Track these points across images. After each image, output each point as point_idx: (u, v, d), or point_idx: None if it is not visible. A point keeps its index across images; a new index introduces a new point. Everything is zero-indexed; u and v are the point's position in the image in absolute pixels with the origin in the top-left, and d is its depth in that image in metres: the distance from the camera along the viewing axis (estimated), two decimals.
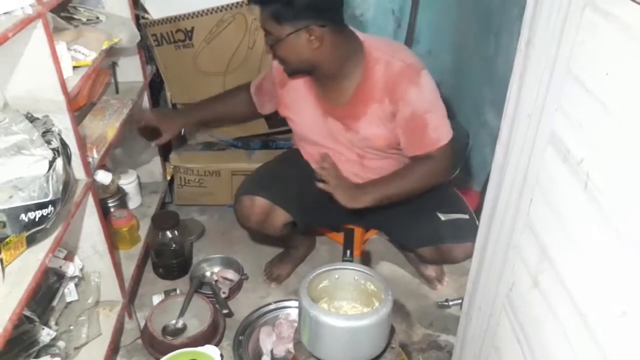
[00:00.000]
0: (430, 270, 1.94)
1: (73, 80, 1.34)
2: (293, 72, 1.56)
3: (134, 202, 2.07)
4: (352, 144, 1.63)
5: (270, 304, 1.78)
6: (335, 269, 1.23)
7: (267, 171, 1.81)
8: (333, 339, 1.09)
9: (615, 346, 0.62)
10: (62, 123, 1.28)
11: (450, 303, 1.80)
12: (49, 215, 1.08)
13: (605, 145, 0.65)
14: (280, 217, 1.67)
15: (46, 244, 1.14)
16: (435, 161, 1.56)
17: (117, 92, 1.90)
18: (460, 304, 1.71)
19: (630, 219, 0.60)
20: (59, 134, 1.22)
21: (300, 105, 1.64)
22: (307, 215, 1.73)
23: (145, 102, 2.03)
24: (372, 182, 1.58)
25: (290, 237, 1.88)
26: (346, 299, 1.24)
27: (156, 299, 1.79)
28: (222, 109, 1.85)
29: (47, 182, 1.04)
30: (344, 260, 1.26)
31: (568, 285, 0.74)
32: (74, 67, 1.37)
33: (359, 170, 1.66)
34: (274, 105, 1.74)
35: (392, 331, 1.20)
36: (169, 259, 1.92)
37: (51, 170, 1.06)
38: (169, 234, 1.88)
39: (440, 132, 1.53)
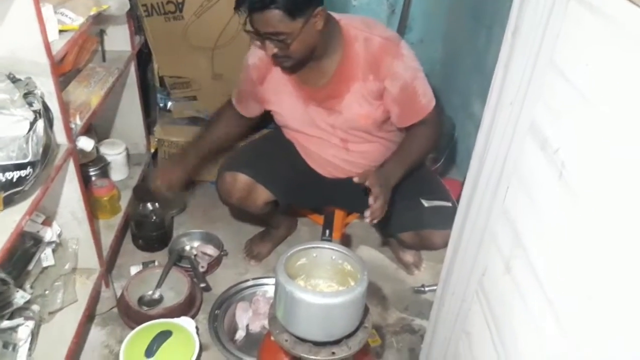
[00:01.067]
0: (409, 256, 1.97)
1: (58, 44, 1.32)
2: (299, 63, 1.51)
3: (121, 173, 2.06)
4: (334, 128, 1.63)
5: (248, 280, 1.79)
6: (314, 247, 1.25)
7: (251, 149, 1.82)
8: (307, 315, 1.10)
9: (581, 330, 0.64)
10: (45, 86, 1.26)
11: (426, 289, 1.82)
12: (28, 177, 1.07)
13: (582, 135, 0.66)
14: (262, 195, 1.67)
15: (23, 206, 1.13)
16: (429, 125, 1.59)
17: (103, 60, 1.88)
18: (436, 290, 1.74)
19: (601, 208, 0.61)
20: (41, 97, 1.21)
21: (280, 95, 1.63)
22: (289, 195, 1.74)
23: (132, 71, 2.01)
24: (390, 163, 1.54)
25: (272, 216, 1.88)
26: (323, 277, 1.26)
27: (134, 270, 1.79)
28: (218, 133, 1.78)
29: (27, 143, 1.03)
30: (322, 240, 1.27)
31: (538, 271, 0.76)
32: (60, 31, 1.35)
33: (345, 154, 1.67)
34: (258, 105, 1.71)
35: (367, 311, 1.21)
36: (148, 231, 1.92)
37: (31, 132, 1.05)
38: (149, 205, 1.87)
39: (428, 96, 1.57)
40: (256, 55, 1.61)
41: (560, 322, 0.68)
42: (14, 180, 1.04)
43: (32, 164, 1.07)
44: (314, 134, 1.66)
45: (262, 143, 1.86)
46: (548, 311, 0.71)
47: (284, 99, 1.64)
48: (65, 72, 1.65)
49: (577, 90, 0.67)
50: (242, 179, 1.64)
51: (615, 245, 0.57)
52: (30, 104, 1.13)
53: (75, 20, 1.40)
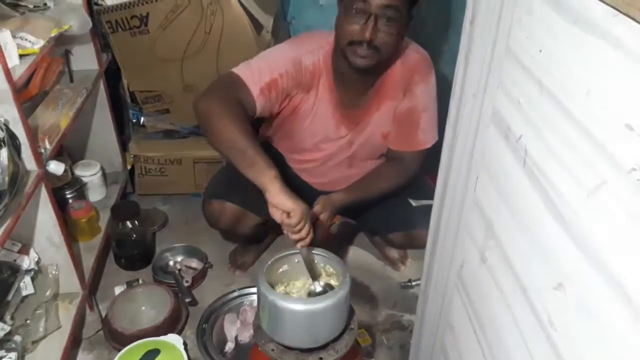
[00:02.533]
0: (394, 253, 1.96)
1: (19, 69, 1.30)
2: (382, 60, 1.38)
3: (98, 193, 2.04)
4: (350, 145, 1.59)
5: (234, 291, 1.77)
6: (295, 253, 1.24)
7: (235, 171, 1.72)
8: (291, 322, 1.10)
9: (553, 316, 0.64)
10: (9, 113, 1.24)
11: (413, 283, 1.83)
12: None
13: (541, 121, 0.66)
14: (251, 220, 1.64)
15: None
16: (404, 165, 1.58)
17: (71, 80, 1.86)
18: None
19: (564, 194, 0.61)
20: (5, 124, 1.19)
21: (318, 112, 1.51)
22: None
23: (102, 89, 1.98)
24: (341, 193, 1.52)
25: (260, 234, 1.86)
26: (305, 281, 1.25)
27: (118, 290, 1.77)
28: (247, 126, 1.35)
29: None
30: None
31: (511, 260, 0.76)
32: (21, 56, 1.33)
33: (346, 171, 1.65)
34: (276, 106, 1.47)
35: (352, 313, 1.21)
36: (130, 250, 1.90)
37: None
38: (129, 224, 1.85)
39: (427, 135, 1.55)
40: (311, 60, 1.45)
41: (534, 309, 0.68)
42: None
43: None
44: (325, 150, 1.61)
45: None
46: (522, 299, 0.71)
47: (320, 115, 1.51)
48: (31, 96, 1.63)
49: (533, 77, 0.67)
50: (230, 208, 1.59)
51: (582, 228, 0.57)
52: None
53: (36, 44, 1.38)
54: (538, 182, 0.67)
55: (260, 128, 1.70)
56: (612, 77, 0.52)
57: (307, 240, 1.19)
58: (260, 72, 1.38)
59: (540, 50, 0.65)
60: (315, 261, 1.24)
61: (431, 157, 2.21)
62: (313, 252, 1.23)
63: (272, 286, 1.14)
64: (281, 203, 1.18)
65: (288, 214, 1.17)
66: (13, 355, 1.27)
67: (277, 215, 1.20)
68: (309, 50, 1.44)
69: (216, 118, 1.27)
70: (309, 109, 1.50)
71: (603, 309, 0.53)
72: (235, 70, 1.39)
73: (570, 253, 0.59)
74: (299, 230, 1.18)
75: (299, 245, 1.19)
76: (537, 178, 0.67)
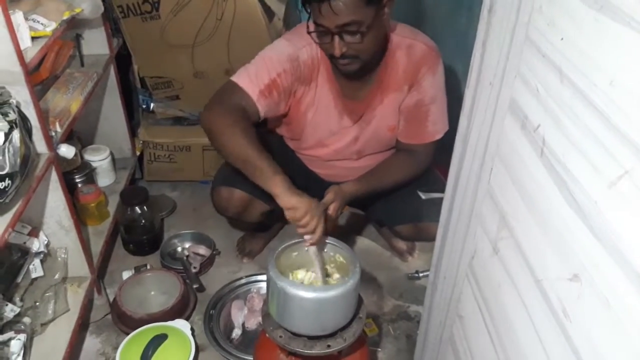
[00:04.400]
0: (402, 244, 1.96)
1: (31, 51, 1.29)
2: (362, 67, 1.38)
3: (107, 178, 2.04)
4: (356, 140, 1.58)
5: (241, 278, 1.78)
6: (305, 241, 1.24)
7: None
8: (300, 310, 1.10)
9: (568, 307, 0.63)
10: (21, 95, 1.24)
11: (420, 274, 1.82)
12: (7, 189, 1.05)
13: (561, 110, 0.65)
14: (259, 207, 1.64)
15: (6, 219, 1.12)
16: (416, 156, 1.57)
17: (82, 65, 1.85)
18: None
19: (583, 185, 0.60)
20: (17, 106, 1.19)
21: (320, 103, 1.50)
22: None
23: (112, 74, 1.98)
24: (353, 183, 1.50)
25: (267, 222, 1.86)
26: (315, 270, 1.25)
27: (126, 275, 1.78)
28: (251, 136, 1.33)
29: (3, 154, 1.02)
30: None
31: (524, 251, 0.75)
32: (33, 38, 1.32)
33: (354, 164, 1.64)
34: (281, 106, 1.47)
35: (360, 302, 1.21)
36: (139, 235, 1.91)
37: (7, 143, 1.03)
38: (138, 209, 1.85)
39: (437, 126, 1.53)
40: (309, 53, 1.44)
41: (548, 301, 0.67)
42: None
43: (10, 176, 1.05)
44: (333, 146, 1.60)
45: None
46: (536, 291, 0.71)
47: (322, 108, 1.50)
48: (42, 79, 1.63)
49: (554, 66, 0.66)
50: (238, 195, 1.59)
51: (602, 219, 0.57)
52: (5, 114, 1.11)
53: (48, 26, 1.37)
54: (556, 172, 0.66)
55: (267, 123, 1.69)
56: (638, 66, 0.51)
57: (317, 236, 1.20)
58: (257, 76, 1.39)
59: (562, 39, 0.64)
60: (325, 250, 1.24)
61: (442, 150, 2.22)
62: (325, 241, 1.23)
63: (282, 273, 1.14)
64: (287, 201, 1.21)
65: (294, 210, 1.20)
66: (22, 336, 1.28)
67: (289, 216, 1.23)
68: (306, 43, 1.42)
69: (219, 133, 1.32)
70: (311, 101, 1.49)
71: (622, 300, 0.52)
72: (234, 78, 1.41)
73: (588, 244, 0.58)
74: (305, 225, 1.19)
75: (307, 241, 1.20)
76: (555, 168, 0.66)
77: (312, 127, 1.55)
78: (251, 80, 1.39)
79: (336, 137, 1.58)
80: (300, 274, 1.23)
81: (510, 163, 0.81)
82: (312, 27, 1.33)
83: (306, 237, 1.20)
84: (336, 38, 1.28)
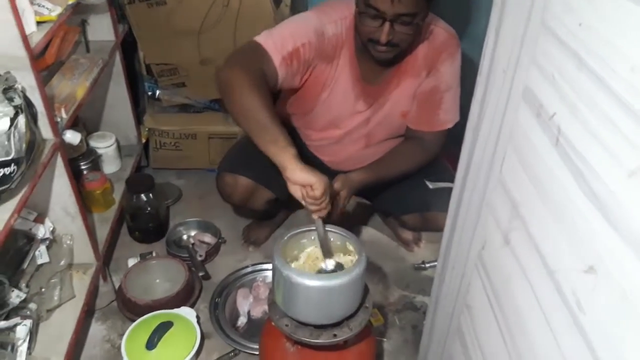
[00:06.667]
0: (408, 234, 1.95)
1: (37, 36, 1.28)
2: (403, 51, 1.37)
3: (113, 165, 2.04)
4: (368, 123, 1.56)
5: (247, 266, 1.78)
6: (311, 230, 1.23)
7: (250, 147, 1.67)
8: (306, 298, 1.09)
9: (582, 299, 0.62)
10: (26, 80, 1.23)
11: (427, 265, 1.81)
12: (13, 175, 1.04)
13: (578, 98, 0.63)
14: (264, 195, 1.62)
15: (11, 204, 1.11)
16: (425, 144, 1.55)
17: (87, 51, 1.84)
18: (436, 266, 1.73)
19: (600, 174, 0.59)
20: (22, 92, 1.18)
21: (338, 84, 1.47)
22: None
23: (118, 61, 1.97)
24: (360, 172, 1.49)
25: (273, 209, 1.85)
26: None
27: (132, 262, 1.78)
28: (269, 100, 1.28)
29: (9, 140, 1.01)
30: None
31: (537, 242, 0.74)
32: (38, 23, 1.31)
33: (362, 151, 1.62)
34: (296, 79, 1.42)
35: (366, 291, 1.20)
36: (144, 223, 1.90)
37: (12, 128, 1.02)
38: (143, 197, 1.85)
39: (449, 115, 1.52)
40: (334, 31, 1.40)
41: (562, 293, 0.66)
42: None
43: (16, 161, 1.04)
44: (344, 127, 1.57)
45: None
46: (549, 283, 0.69)
47: (340, 88, 1.47)
48: (47, 65, 1.61)
49: (571, 52, 0.64)
50: (242, 182, 1.57)
51: (620, 210, 0.55)
52: (10, 100, 1.10)
53: (53, 11, 1.36)
54: (571, 161, 0.64)
55: (276, 103, 1.67)
56: None
57: (324, 211, 1.18)
58: (282, 41, 1.33)
59: (580, 24, 0.62)
60: (332, 239, 1.23)
61: (451, 140, 2.20)
62: (330, 229, 1.22)
63: (288, 262, 1.13)
64: (302, 178, 1.16)
65: (311, 187, 1.15)
66: (28, 322, 1.28)
67: (298, 193, 1.19)
68: (332, 20, 1.39)
69: (238, 88, 1.23)
70: (329, 81, 1.46)
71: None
72: (257, 38, 1.35)
73: (605, 235, 0.57)
74: (322, 202, 1.17)
75: (315, 215, 1.18)
76: (571, 157, 0.64)
77: (325, 107, 1.52)
78: (275, 44, 1.32)
79: (348, 120, 1.56)
80: (308, 250, 1.21)
81: (523, 152, 0.80)
82: (362, 8, 1.30)
83: (316, 213, 1.18)
84: (387, 24, 1.27)
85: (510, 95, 0.83)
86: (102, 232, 1.73)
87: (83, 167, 1.87)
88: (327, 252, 1.19)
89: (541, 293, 0.73)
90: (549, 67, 0.71)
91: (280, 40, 1.33)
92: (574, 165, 0.63)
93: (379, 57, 1.37)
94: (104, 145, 1.98)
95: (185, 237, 1.95)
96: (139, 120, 2.19)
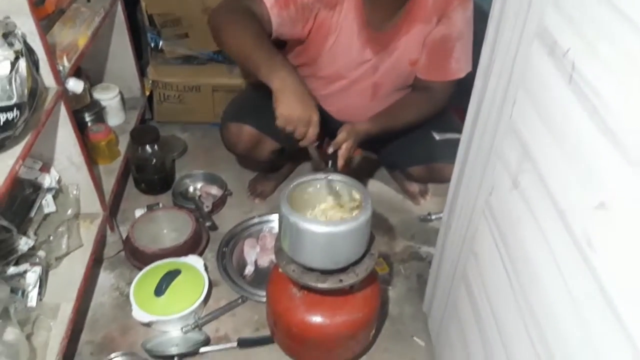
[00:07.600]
0: (414, 187, 1.95)
1: None
2: None
3: (117, 118, 2.02)
4: (375, 71, 1.51)
5: (254, 217, 1.78)
6: (317, 179, 1.22)
7: (255, 95, 1.65)
8: (313, 244, 1.10)
9: (593, 237, 0.61)
10: (26, 26, 1.20)
11: (433, 217, 1.81)
12: (16, 121, 1.03)
13: (596, 32, 0.61)
14: (269, 145, 1.61)
15: (16, 151, 1.11)
16: (433, 94, 1.52)
17: (88, 0, 1.79)
18: (442, 217, 1.73)
19: (615, 109, 0.57)
20: (22, 37, 1.15)
21: (343, 31, 1.42)
22: (296, 142, 1.67)
23: (119, 11, 1.93)
24: (367, 122, 1.46)
25: (278, 161, 1.84)
26: (328, 207, 1.24)
27: (139, 213, 1.78)
28: (258, 29, 1.28)
29: (10, 84, 0.99)
30: (327, 171, 1.24)
31: (547, 183, 0.73)
32: None
33: (368, 102, 1.58)
34: (297, 27, 1.38)
35: (372, 239, 1.20)
36: (150, 174, 1.90)
37: (13, 72, 1.00)
38: (148, 148, 1.84)
39: (460, 64, 1.48)
40: None
41: (572, 232, 0.65)
42: (1, 123, 1.00)
43: (18, 106, 1.03)
44: (351, 76, 1.53)
45: (266, 88, 1.77)
46: (559, 223, 0.69)
47: (345, 35, 1.43)
48: (48, 13, 1.57)
49: None
50: (247, 131, 1.56)
51: (636, 143, 0.54)
52: (10, 44, 1.08)
53: None
54: (586, 97, 0.62)
55: None
56: None
57: (310, 138, 1.23)
58: None
59: None
60: (337, 188, 1.23)
61: (458, 93, 2.16)
62: (336, 178, 1.21)
63: (295, 210, 1.12)
64: (281, 107, 1.19)
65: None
66: (37, 269, 1.30)
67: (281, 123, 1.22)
68: None
69: (225, 26, 1.26)
70: (333, 28, 1.41)
71: None
72: None
73: (619, 170, 0.56)
74: (299, 133, 1.22)
75: (303, 143, 1.25)
76: (585, 94, 0.63)
77: (330, 55, 1.48)
78: None
79: (355, 70, 1.52)
80: (322, 206, 1.22)
81: (536, 93, 0.78)
82: None
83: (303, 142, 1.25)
84: None
85: (522, 34, 0.81)
86: (109, 183, 1.73)
87: (87, 119, 1.85)
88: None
89: (550, 234, 0.72)
90: (566, 3, 0.68)
91: None
92: (588, 101, 0.62)
93: None
94: (108, 97, 1.95)
95: (191, 189, 1.96)
96: (142, 73, 2.16)
